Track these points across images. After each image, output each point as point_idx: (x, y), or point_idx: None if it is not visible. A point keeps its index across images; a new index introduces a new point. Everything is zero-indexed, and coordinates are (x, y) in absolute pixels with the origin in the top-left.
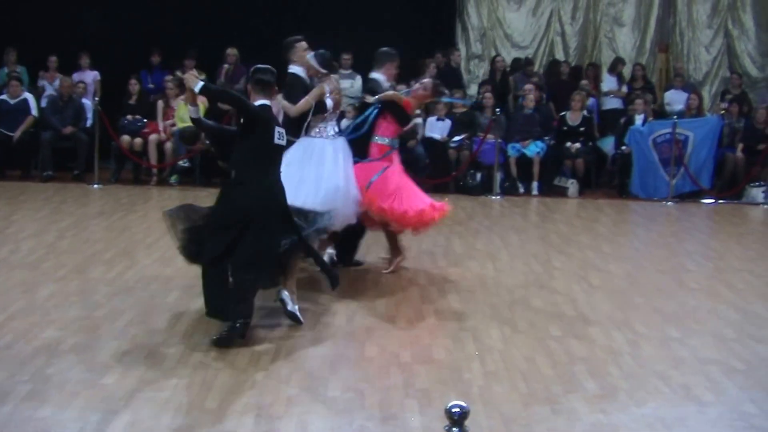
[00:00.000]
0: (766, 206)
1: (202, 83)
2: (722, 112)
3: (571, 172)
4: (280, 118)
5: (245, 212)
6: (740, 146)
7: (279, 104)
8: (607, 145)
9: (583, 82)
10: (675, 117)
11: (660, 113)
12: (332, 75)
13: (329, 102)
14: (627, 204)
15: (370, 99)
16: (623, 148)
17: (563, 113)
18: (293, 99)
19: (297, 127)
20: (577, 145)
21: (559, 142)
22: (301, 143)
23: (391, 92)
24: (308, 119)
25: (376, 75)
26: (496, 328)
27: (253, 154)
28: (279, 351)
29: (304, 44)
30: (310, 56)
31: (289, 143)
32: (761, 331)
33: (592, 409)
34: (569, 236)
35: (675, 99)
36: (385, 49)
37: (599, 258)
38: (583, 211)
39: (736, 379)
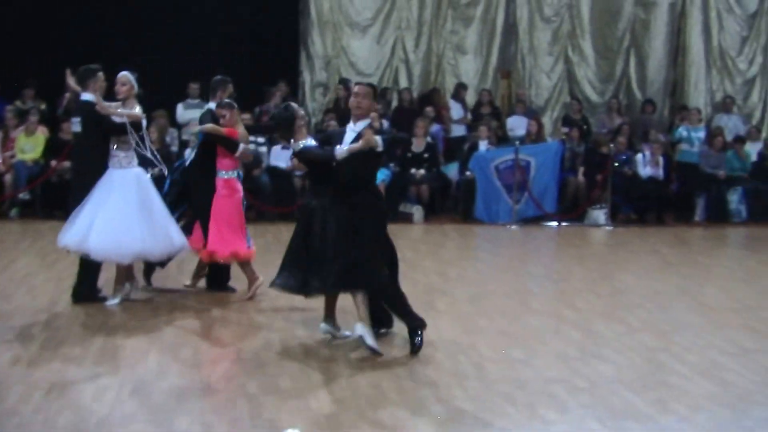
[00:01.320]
0: (607, 228)
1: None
2: (563, 137)
3: (416, 198)
4: None
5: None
6: (581, 170)
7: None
8: (452, 170)
9: (428, 108)
10: (517, 142)
11: (503, 138)
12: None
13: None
14: (472, 228)
15: (194, 130)
16: (467, 173)
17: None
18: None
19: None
20: (422, 171)
21: (404, 168)
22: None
23: (209, 125)
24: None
25: (212, 104)
26: (342, 356)
27: None
28: (123, 385)
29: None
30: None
31: None
32: (603, 350)
33: None
34: (415, 261)
35: (517, 124)
36: (217, 77)
37: (444, 282)
38: (429, 236)
39: (579, 398)
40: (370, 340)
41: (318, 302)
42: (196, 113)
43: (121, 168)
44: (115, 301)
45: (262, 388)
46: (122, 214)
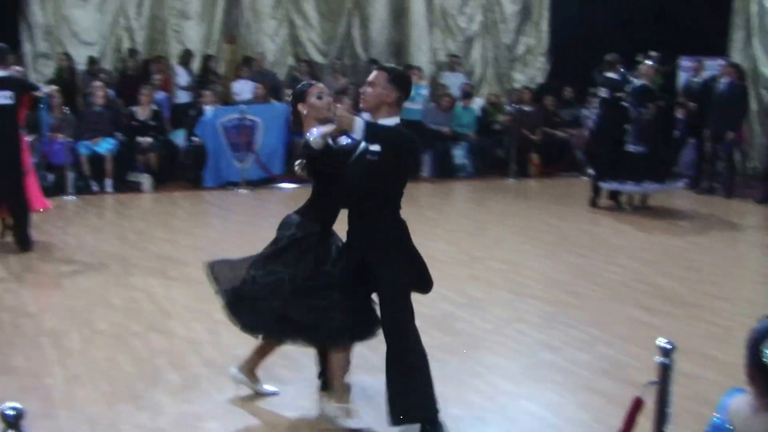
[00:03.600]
0: None
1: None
2: (289, 98)
3: (144, 167)
4: None
5: None
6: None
7: None
8: (179, 137)
9: (156, 76)
10: (243, 106)
11: (229, 103)
12: None
13: None
14: (202, 195)
15: None
16: (194, 139)
17: (133, 108)
18: None
19: None
20: (149, 139)
21: (130, 137)
22: None
23: None
24: None
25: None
26: (75, 331)
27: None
28: None
29: None
30: None
31: None
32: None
33: (175, 401)
34: (146, 231)
35: (243, 89)
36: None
37: (177, 251)
38: (159, 205)
39: (310, 354)
40: (354, 424)
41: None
42: None
43: None
44: None
45: None
46: None
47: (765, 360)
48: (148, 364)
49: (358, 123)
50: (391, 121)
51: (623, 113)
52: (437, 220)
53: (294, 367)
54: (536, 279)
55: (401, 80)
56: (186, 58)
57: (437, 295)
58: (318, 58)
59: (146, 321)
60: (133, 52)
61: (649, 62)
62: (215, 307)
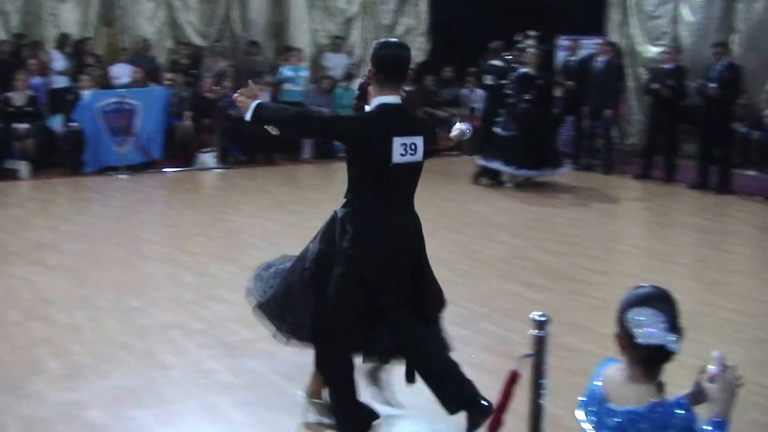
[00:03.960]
0: (218, 170)
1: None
2: (168, 82)
3: (21, 154)
4: None
5: None
6: (188, 114)
7: None
8: (56, 123)
9: (32, 61)
10: (122, 90)
11: (107, 87)
12: None
13: None
14: (81, 181)
15: None
16: (72, 124)
17: (7, 94)
18: None
19: None
20: (25, 125)
21: (6, 124)
22: None
23: None
24: None
25: None
26: None
27: None
28: None
29: None
30: None
31: None
32: (217, 291)
33: (57, 389)
34: (24, 219)
35: (121, 73)
36: None
37: (56, 238)
38: (37, 192)
39: (196, 339)
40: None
41: None
42: None
43: None
44: None
45: None
46: None
47: (630, 328)
48: (28, 353)
49: (251, 106)
50: (375, 101)
51: (506, 99)
52: (318, 201)
53: (177, 352)
54: None
55: (373, 56)
56: (62, 41)
57: None
58: (197, 40)
59: (25, 309)
60: (7, 36)
61: (530, 43)
62: (97, 292)
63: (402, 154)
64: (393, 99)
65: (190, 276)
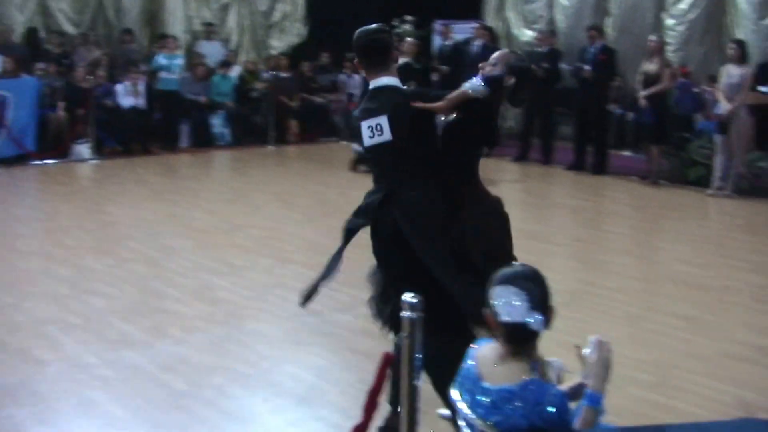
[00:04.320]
0: (93, 162)
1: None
2: (39, 72)
3: None
4: None
5: None
6: (62, 105)
7: None
8: None
9: None
10: None
11: None
12: None
13: None
14: None
15: None
16: None
17: None
18: None
19: None
20: None
21: None
22: None
23: None
24: None
25: None
26: None
27: None
28: None
29: None
30: None
31: None
32: (94, 284)
33: None
34: None
35: None
36: None
37: None
38: None
39: (73, 334)
40: None
41: None
42: None
43: None
44: None
45: None
46: None
47: (494, 305)
48: None
49: None
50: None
51: None
52: (197, 190)
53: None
54: (297, 244)
55: (354, 47)
56: None
57: (197, 264)
58: (70, 28)
59: None
60: None
61: (407, 28)
62: None
63: (370, 137)
64: (383, 81)
65: (65, 270)
